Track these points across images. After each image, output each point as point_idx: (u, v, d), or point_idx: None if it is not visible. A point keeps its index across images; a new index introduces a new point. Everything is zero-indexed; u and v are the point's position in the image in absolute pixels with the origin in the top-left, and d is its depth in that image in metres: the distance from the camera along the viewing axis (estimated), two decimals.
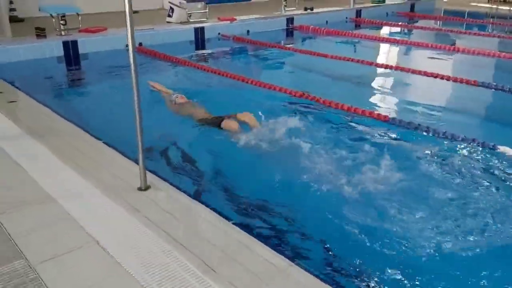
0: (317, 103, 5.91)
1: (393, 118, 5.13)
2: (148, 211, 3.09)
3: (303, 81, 7.60)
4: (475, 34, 11.69)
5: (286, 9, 11.99)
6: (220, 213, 3.13)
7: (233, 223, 3.00)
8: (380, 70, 8.21)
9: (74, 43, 8.29)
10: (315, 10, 12.53)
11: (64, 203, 3.16)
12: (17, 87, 6.19)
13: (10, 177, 3.57)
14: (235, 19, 10.64)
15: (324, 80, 7.63)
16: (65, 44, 8.20)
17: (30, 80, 6.96)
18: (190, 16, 10.02)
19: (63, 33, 8.38)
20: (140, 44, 9.01)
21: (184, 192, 3.45)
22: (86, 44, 8.45)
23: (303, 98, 6.07)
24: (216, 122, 4.97)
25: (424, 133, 4.82)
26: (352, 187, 3.71)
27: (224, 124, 4.87)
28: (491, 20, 13.99)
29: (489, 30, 12.43)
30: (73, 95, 6.47)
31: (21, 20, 10.95)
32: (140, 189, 3.44)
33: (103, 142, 4.35)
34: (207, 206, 3.23)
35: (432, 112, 5.89)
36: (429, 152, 4.41)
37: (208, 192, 3.80)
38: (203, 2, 10.26)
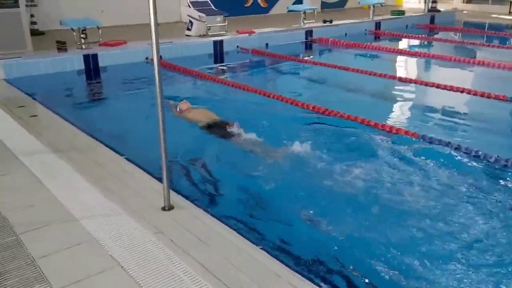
0: (340, 118, 5.79)
1: (423, 135, 4.96)
2: (173, 233, 2.99)
3: (323, 94, 7.49)
4: (497, 46, 11.47)
5: (305, 21, 11.92)
6: (246, 237, 3.02)
7: (261, 248, 2.88)
8: (402, 84, 8.03)
9: (95, 56, 8.32)
10: (334, 23, 12.43)
11: (87, 224, 3.08)
12: (38, 101, 6.19)
13: (33, 195, 3.51)
14: (254, 32, 10.60)
15: (347, 94, 7.51)
16: (86, 57, 8.23)
17: (51, 93, 6.98)
18: (209, 29, 10.00)
19: (83, 46, 8.41)
20: (160, 57, 8.98)
21: (209, 212, 3.34)
22: (106, 58, 8.47)
23: (325, 114, 5.95)
24: (221, 125, 5.24)
25: (455, 151, 4.64)
26: (387, 208, 3.58)
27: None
28: None
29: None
30: (94, 109, 6.46)
31: (42, 33, 11.09)
32: (163, 209, 3.35)
33: (125, 158, 4.28)
34: (232, 228, 3.12)
35: (461, 128, 5.72)
36: (461, 172, 4.25)
37: (233, 211, 3.68)
38: (222, 16, 10.24)
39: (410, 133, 5.11)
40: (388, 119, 6.03)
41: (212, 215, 3.27)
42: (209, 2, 10.39)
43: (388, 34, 12.78)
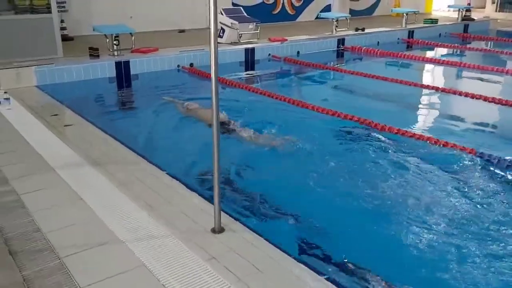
0: (374, 129, 5.55)
1: (481, 153, 4.63)
2: (226, 259, 2.75)
3: (357, 104, 7.18)
4: None
5: (337, 29, 11.64)
6: (308, 265, 2.75)
7: (326, 279, 2.61)
8: (438, 94, 7.74)
9: (127, 63, 8.18)
10: (366, 31, 12.13)
11: (134, 247, 2.85)
12: (72, 109, 6.04)
13: (73, 213, 3.30)
14: (286, 40, 10.37)
15: (388, 105, 7.23)
16: (118, 64, 8.10)
17: (84, 101, 6.83)
18: (241, 36, 9.80)
19: (115, 53, 8.27)
20: (191, 64, 8.84)
21: (262, 236, 3.08)
22: (138, 65, 8.32)
23: (359, 123, 5.69)
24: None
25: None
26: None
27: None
28: None
29: None
30: (128, 118, 6.25)
31: (71, 38, 11.02)
32: (214, 231, 3.10)
33: (166, 173, 4.06)
34: (289, 254, 2.86)
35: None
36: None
37: (289, 234, 3.41)
38: (254, 23, 10.03)
39: (468, 149, 4.80)
40: (423, 129, 5.90)
41: (267, 240, 3.02)
42: (242, 9, 10.19)
43: (422, 43, 12.40)
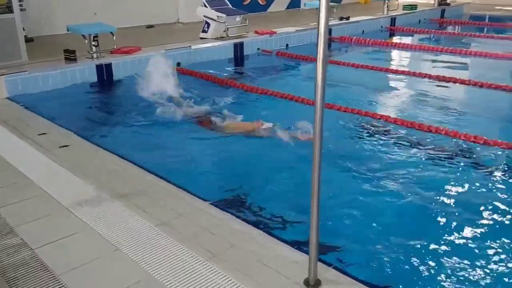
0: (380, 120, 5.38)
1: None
2: None
3: (352, 95, 6.69)
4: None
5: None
6: None
7: None
8: (425, 80, 7.48)
9: (109, 66, 7.26)
10: (351, 19, 11.62)
11: None
12: (59, 125, 5.13)
13: (111, 274, 2.53)
14: (275, 32, 9.67)
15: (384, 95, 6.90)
16: (99, 67, 7.16)
17: (70, 114, 5.83)
18: (228, 30, 9.01)
19: (95, 55, 7.31)
20: (178, 64, 8.00)
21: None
22: (122, 67, 7.40)
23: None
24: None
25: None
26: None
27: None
28: None
29: None
30: (133, 134, 5.21)
31: (31, 40, 9.84)
32: (308, 284, 2.44)
33: (210, 203, 3.34)
34: None
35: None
36: None
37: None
38: (241, 16, 9.26)
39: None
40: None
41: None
42: (226, 1, 9.36)
43: (407, 30, 12.05)
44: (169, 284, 2.41)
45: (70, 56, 7.16)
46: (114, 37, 7.46)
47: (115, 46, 7.50)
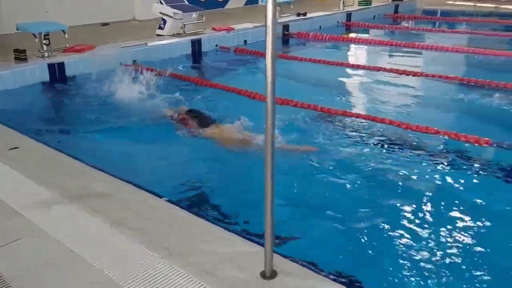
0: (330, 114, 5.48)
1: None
2: None
3: (309, 91, 6.82)
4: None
5: (281, 15, 11.10)
6: None
7: None
8: (381, 74, 7.69)
9: (61, 65, 7.05)
10: (308, 15, 11.75)
11: None
12: (12, 127, 4.93)
13: (77, 277, 2.47)
14: (233, 29, 9.66)
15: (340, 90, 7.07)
16: (51, 67, 6.94)
17: (18, 114, 5.64)
18: (185, 27, 8.93)
19: (46, 54, 7.08)
20: (134, 61, 7.86)
21: (326, 275, 2.50)
22: (74, 65, 7.21)
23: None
24: None
25: None
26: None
27: None
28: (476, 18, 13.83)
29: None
30: (88, 133, 5.14)
31: None
32: (264, 276, 2.46)
33: (166, 200, 3.31)
34: None
35: None
36: None
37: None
38: (197, 12, 9.19)
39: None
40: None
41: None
42: None
43: (363, 25, 12.32)
44: (126, 285, 2.37)
45: (20, 55, 6.91)
46: (66, 35, 7.26)
47: (67, 45, 7.30)
